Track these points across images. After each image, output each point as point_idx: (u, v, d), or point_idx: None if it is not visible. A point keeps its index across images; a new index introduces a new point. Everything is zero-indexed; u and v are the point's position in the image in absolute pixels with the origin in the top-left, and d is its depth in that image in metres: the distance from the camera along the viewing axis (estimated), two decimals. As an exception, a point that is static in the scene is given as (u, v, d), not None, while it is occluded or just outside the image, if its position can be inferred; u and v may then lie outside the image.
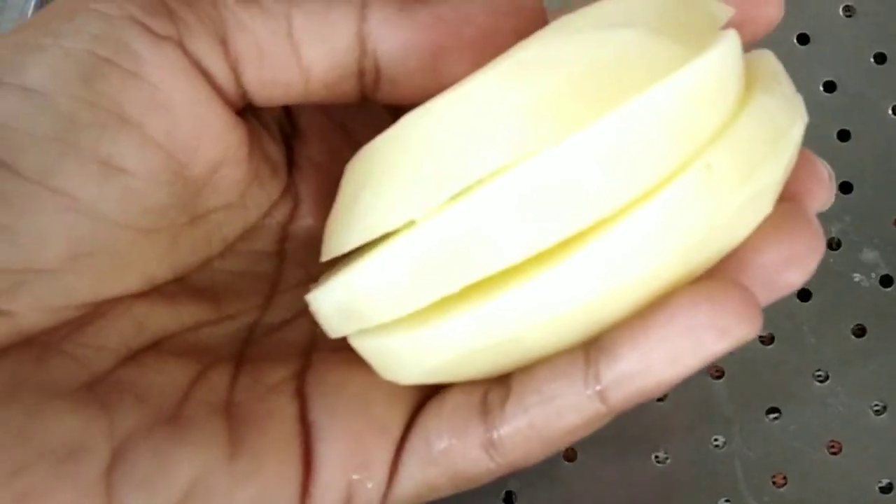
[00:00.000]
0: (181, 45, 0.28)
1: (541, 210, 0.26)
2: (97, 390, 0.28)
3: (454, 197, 0.26)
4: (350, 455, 0.29)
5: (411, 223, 0.27)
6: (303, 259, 0.33)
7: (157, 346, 0.30)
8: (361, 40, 0.29)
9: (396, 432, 0.30)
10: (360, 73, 0.29)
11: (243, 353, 0.31)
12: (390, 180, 0.27)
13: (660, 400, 0.40)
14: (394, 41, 0.29)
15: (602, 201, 0.26)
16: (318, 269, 0.31)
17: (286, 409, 0.30)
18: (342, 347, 0.30)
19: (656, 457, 0.39)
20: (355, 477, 0.29)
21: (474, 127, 0.26)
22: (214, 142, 0.29)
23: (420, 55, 0.29)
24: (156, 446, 0.28)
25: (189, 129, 0.28)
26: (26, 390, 0.26)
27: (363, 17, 0.29)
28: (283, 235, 0.33)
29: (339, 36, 0.29)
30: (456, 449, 0.29)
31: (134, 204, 0.28)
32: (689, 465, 0.39)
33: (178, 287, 0.31)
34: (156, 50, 0.27)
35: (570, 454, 0.39)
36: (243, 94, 0.29)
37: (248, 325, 0.32)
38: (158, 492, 0.27)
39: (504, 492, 0.39)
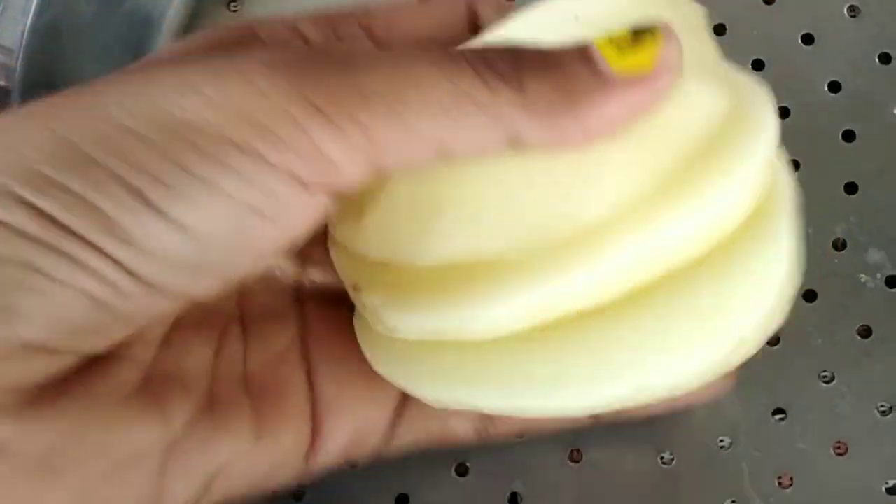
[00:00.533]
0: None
1: (635, 272, 0.29)
2: (152, 385, 0.29)
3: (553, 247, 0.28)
4: (354, 423, 0.32)
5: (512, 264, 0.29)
6: None
7: (178, 322, 0.31)
8: None
9: (395, 402, 0.33)
10: None
11: (244, 312, 0.33)
12: (485, 204, 0.29)
13: (665, 401, 0.40)
14: None
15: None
16: None
17: (296, 380, 0.31)
18: (327, 300, 0.33)
19: (662, 458, 0.39)
20: (356, 439, 0.32)
21: (578, 173, 0.28)
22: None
23: None
24: (201, 439, 0.29)
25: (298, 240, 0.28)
26: (100, 402, 0.28)
27: None
28: None
29: None
30: (451, 421, 0.33)
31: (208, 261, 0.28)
32: (696, 466, 0.39)
33: None
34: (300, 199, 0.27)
35: (575, 455, 0.39)
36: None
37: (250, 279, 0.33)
38: (197, 479, 0.29)
39: (510, 493, 0.39)
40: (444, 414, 0.33)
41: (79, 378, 0.27)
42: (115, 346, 0.28)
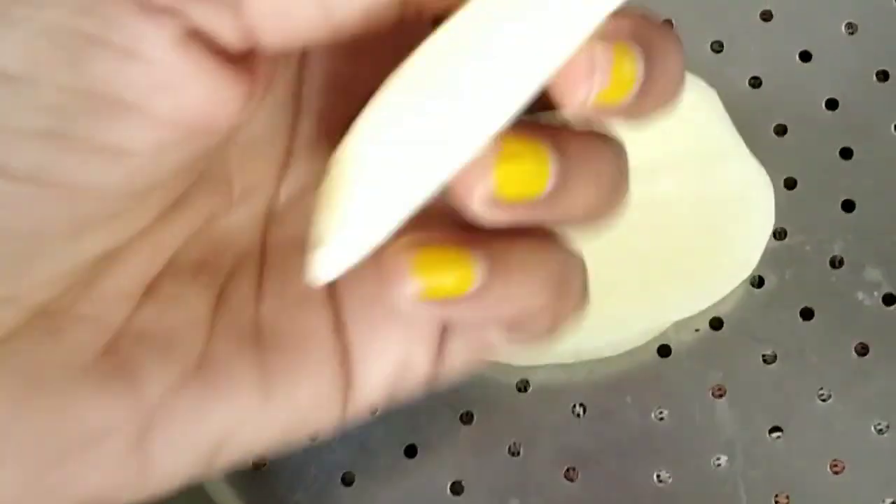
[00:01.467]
0: (182, 16, 0.24)
1: None
2: (121, 349, 0.26)
3: None
4: (393, 364, 0.27)
5: None
6: (318, 105, 0.30)
7: (171, 267, 0.27)
8: None
9: (436, 342, 0.28)
10: (399, 17, 0.26)
11: (265, 245, 0.29)
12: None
13: (661, 419, 0.40)
14: None
15: None
16: (336, 115, 0.29)
17: (320, 327, 0.27)
18: None
19: (658, 477, 0.39)
20: (398, 379, 0.28)
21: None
22: (223, 101, 0.25)
23: None
24: (186, 406, 0.26)
25: (195, 101, 0.25)
26: (49, 373, 0.25)
27: None
28: (299, 82, 0.30)
29: None
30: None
31: (145, 176, 0.25)
32: (692, 485, 0.39)
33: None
34: (152, 23, 0.24)
35: (571, 474, 0.39)
36: (257, 46, 0.26)
37: (266, 204, 0.29)
38: (191, 448, 0.26)
39: (505, 511, 0.39)
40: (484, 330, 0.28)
41: (19, 343, 0.25)
42: (67, 300, 0.25)
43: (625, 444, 0.39)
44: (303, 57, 0.29)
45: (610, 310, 0.39)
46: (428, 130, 0.23)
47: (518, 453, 0.39)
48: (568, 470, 0.39)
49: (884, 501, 0.39)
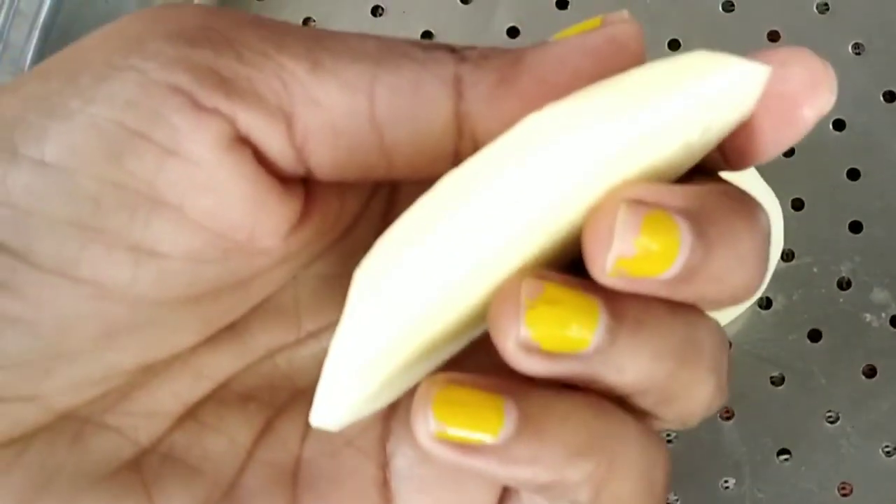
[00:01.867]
0: (231, 121, 0.24)
1: None
2: (144, 466, 0.25)
3: None
4: None
5: None
6: None
7: (218, 393, 0.26)
8: (458, 121, 0.24)
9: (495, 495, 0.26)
10: (456, 154, 0.25)
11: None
12: None
13: (669, 441, 0.40)
14: (495, 117, 0.24)
15: None
16: None
17: (363, 477, 0.26)
18: None
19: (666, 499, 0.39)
20: None
21: None
22: (266, 217, 0.24)
23: (515, 111, 0.24)
24: None
25: (235, 209, 0.24)
26: (60, 478, 0.24)
27: (459, 94, 0.24)
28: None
29: (431, 117, 0.24)
30: None
31: (176, 283, 0.24)
32: (700, 507, 0.39)
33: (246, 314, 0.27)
34: (198, 124, 0.23)
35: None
36: (308, 170, 0.25)
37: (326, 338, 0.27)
38: None
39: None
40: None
41: (37, 444, 0.24)
42: (97, 408, 0.25)
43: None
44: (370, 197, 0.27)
45: None
46: (418, 244, 0.21)
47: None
48: (575, 492, 0.39)
49: (892, 524, 0.39)
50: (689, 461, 0.39)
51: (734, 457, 0.39)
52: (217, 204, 0.24)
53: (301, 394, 0.27)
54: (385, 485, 0.26)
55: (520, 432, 0.21)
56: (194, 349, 0.26)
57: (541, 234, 0.21)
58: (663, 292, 0.21)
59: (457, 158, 0.24)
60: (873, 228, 0.42)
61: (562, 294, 0.21)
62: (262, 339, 0.26)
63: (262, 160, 0.24)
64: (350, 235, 0.27)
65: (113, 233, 0.23)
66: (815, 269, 0.41)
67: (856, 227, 0.42)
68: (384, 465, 0.26)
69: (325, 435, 0.26)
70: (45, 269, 0.23)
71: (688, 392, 0.22)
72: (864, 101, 0.43)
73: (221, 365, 0.26)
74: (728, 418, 0.40)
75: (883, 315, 0.41)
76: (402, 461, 0.26)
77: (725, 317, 0.41)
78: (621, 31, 0.23)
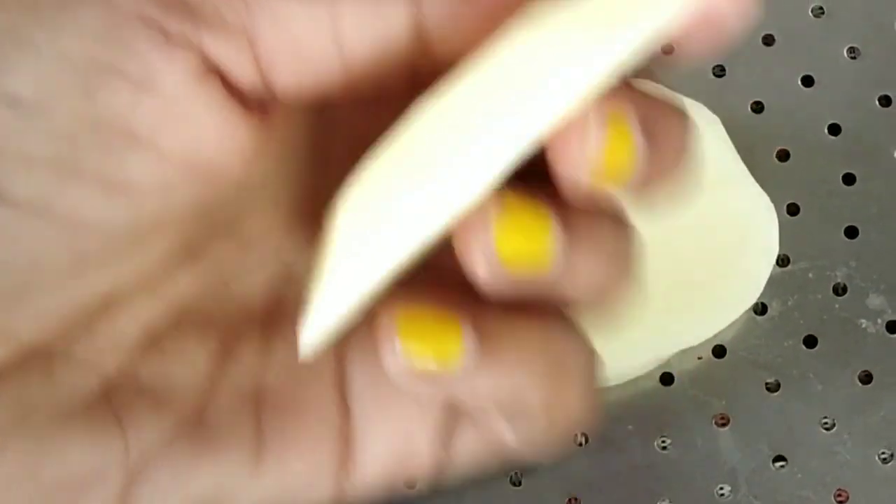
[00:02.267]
0: (199, 48, 0.24)
1: None
2: (113, 397, 0.25)
3: None
4: (394, 443, 0.27)
5: None
6: (339, 167, 0.28)
7: (177, 319, 0.27)
8: (417, 29, 0.25)
9: (441, 429, 0.27)
10: (411, 68, 0.25)
11: (277, 308, 0.28)
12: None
13: (664, 448, 0.40)
14: (451, 22, 0.24)
15: None
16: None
17: (323, 397, 0.27)
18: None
19: (661, 506, 0.39)
20: (399, 460, 0.27)
21: None
22: (235, 144, 0.25)
23: (474, 26, 0.25)
24: (175, 460, 0.25)
25: (208, 140, 0.25)
26: (36, 414, 0.24)
27: (417, 3, 0.25)
28: (325, 140, 0.29)
29: (390, 26, 0.25)
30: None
31: (151, 215, 0.25)
32: (695, 515, 0.39)
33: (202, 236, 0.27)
34: (170, 56, 0.24)
35: (573, 504, 0.39)
36: (272, 93, 0.26)
37: (286, 263, 0.28)
38: None
39: (507, 542, 0.39)
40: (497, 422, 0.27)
41: (8, 381, 0.24)
42: (64, 342, 0.25)
43: (627, 474, 0.39)
44: (325, 114, 0.28)
45: (613, 340, 0.39)
46: (405, 194, 0.23)
47: (519, 483, 0.39)
48: (570, 500, 0.39)
49: (889, 531, 0.38)
50: (683, 468, 0.39)
51: (729, 463, 0.39)
52: (191, 136, 0.24)
53: (256, 317, 0.27)
54: (343, 404, 0.27)
55: (481, 352, 0.23)
56: (156, 276, 0.26)
57: (511, 166, 0.22)
58: (625, 187, 0.23)
59: (413, 74, 0.25)
60: (869, 233, 0.42)
61: (518, 203, 0.23)
62: (214, 262, 0.27)
63: (229, 88, 0.24)
64: (312, 162, 0.28)
65: (89, 170, 0.23)
66: (810, 275, 0.41)
67: (851, 232, 0.42)
68: (343, 385, 0.27)
69: (284, 359, 0.27)
70: (18, 206, 0.23)
71: (619, 290, 0.25)
72: (860, 105, 0.43)
73: (178, 289, 0.26)
74: (723, 425, 0.40)
75: (879, 321, 0.41)
76: (360, 380, 0.27)
77: (721, 322, 0.41)
78: None
